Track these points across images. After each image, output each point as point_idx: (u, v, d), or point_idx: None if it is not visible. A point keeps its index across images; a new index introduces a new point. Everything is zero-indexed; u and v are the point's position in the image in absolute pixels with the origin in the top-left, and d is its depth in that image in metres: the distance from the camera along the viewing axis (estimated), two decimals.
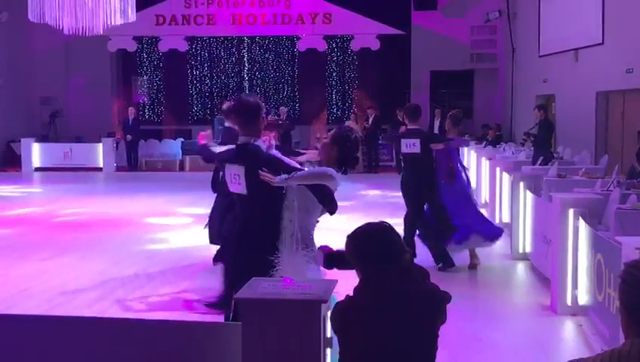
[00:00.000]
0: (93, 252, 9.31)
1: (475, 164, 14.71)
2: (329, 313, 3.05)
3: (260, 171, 4.25)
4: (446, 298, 2.87)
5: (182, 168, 20.76)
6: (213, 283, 6.68)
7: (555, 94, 17.65)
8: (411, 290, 2.83)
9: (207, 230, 7.44)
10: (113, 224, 11.48)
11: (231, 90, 24.55)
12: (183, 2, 22.89)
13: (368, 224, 2.99)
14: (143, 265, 8.49)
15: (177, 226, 11.14)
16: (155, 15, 22.80)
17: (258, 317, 3.12)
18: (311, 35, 22.88)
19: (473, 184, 11.72)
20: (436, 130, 18.26)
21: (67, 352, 3.41)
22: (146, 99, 25.19)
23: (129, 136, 20.69)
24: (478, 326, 6.16)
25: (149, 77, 25.17)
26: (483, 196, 13.02)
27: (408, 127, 8.33)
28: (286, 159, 4.46)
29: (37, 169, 20.78)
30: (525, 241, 8.57)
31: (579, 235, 6.25)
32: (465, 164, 15.74)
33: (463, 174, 8.53)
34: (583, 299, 6.22)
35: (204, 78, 25.06)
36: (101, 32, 13.01)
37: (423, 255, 7.95)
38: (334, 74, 24.73)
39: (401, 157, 8.82)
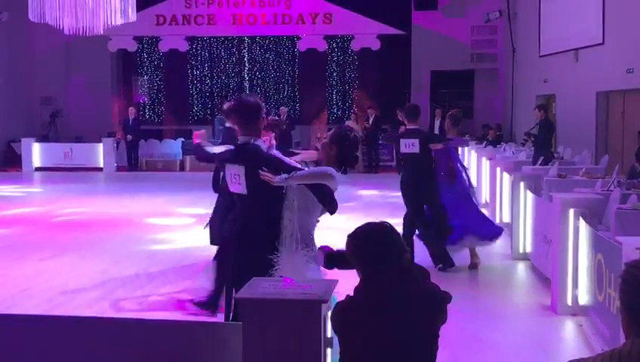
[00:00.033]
0: (94, 252, 9.31)
1: (476, 164, 14.71)
2: (329, 313, 3.05)
3: (260, 171, 4.26)
4: (446, 298, 2.87)
5: (182, 168, 20.76)
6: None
7: (555, 94, 17.64)
8: (412, 290, 2.83)
9: (207, 230, 7.43)
10: (113, 224, 11.48)
11: (231, 90, 24.55)
12: (183, 2, 22.89)
13: (369, 224, 2.98)
14: (143, 265, 8.49)
15: (178, 226, 11.14)
16: (155, 15, 22.80)
17: (258, 317, 3.12)
18: (311, 35, 22.88)
19: (474, 184, 11.69)
20: (436, 130, 18.25)
21: (67, 352, 3.41)
22: (146, 99, 25.19)
23: (129, 136, 20.69)
24: (478, 326, 6.16)
25: (150, 77, 25.18)
26: (483, 196, 13.02)
27: (407, 127, 8.33)
28: (286, 159, 4.47)
29: (37, 169, 20.79)
30: (526, 241, 8.57)
31: (579, 235, 6.25)
32: (465, 164, 15.75)
33: (464, 174, 8.52)
34: (584, 299, 6.22)
35: (205, 78, 25.07)
36: (101, 32, 13.01)
37: (422, 255, 7.94)
38: (335, 74, 24.73)
39: (401, 157, 8.82)
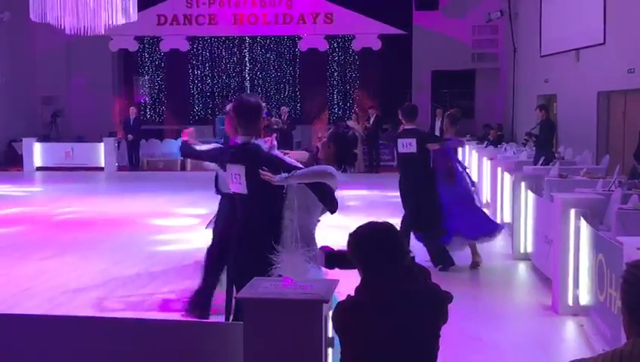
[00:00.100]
0: (95, 251, 9.32)
1: (477, 164, 14.71)
2: (330, 313, 3.05)
3: (260, 170, 4.26)
4: (447, 298, 2.87)
5: (183, 168, 20.77)
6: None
7: (556, 94, 17.64)
8: (413, 290, 2.82)
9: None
10: (114, 224, 11.48)
11: (232, 90, 24.56)
12: (184, 2, 22.89)
13: (370, 223, 2.98)
14: (144, 264, 8.49)
15: (179, 226, 11.14)
16: (156, 15, 22.81)
17: (260, 316, 3.12)
18: (312, 34, 22.88)
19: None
20: (437, 130, 18.25)
21: (68, 352, 3.41)
22: (147, 99, 25.21)
23: (130, 136, 20.69)
24: (479, 326, 6.16)
25: (151, 77, 25.19)
26: (484, 196, 13.01)
27: (405, 126, 8.31)
28: (287, 158, 4.47)
29: (38, 168, 20.79)
30: (526, 241, 8.57)
31: (580, 235, 6.25)
32: (465, 163, 15.73)
33: (464, 173, 8.52)
34: (585, 299, 6.22)
35: (206, 77, 25.07)
36: (102, 32, 13.00)
37: (421, 255, 7.94)
38: (336, 74, 24.74)
39: (398, 157, 8.82)
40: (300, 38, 23.31)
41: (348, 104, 24.77)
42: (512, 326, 6.36)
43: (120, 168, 20.86)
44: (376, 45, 22.37)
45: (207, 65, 24.98)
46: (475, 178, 10.25)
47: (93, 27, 12.61)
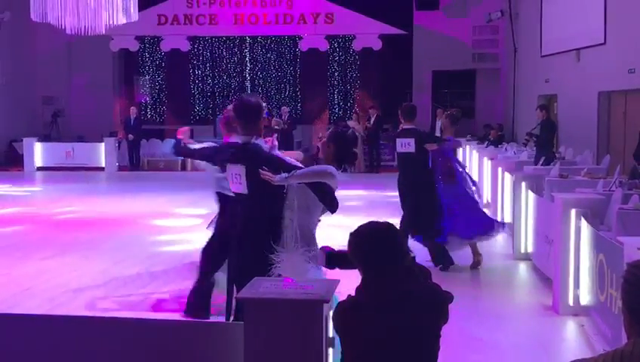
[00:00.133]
0: (95, 251, 9.32)
1: (477, 164, 14.70)
2: (331, 313, 3.05)
3: (260, 170, 4.26)
4: (448, 298, 2.86)
5: (184, 168, 20.77)
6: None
7: (557, 94, 17.63)
8: (413, 290, 2.82)
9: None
10: (115, 223, 11.49)
11: (233, 90, 24.56)
12: (185, 2, 22.89)
13: (371, 223, 2.97)
14: (145, 264, 8.49)
15: (179, 226, 11.14)
16: (157, 15, 22.81)
17: (260, 316, 3.12)
18: (313, 34, 22.88)
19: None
20: (437, 130, 18.24)
21: (68, 352, 3.41)
22: (148, 99, 25.20)
23: (131, 136, 20.69)
24: (479, 326, 6.16)
25: (151, 76, 25.19)
26: (485, 196, 13.00)
27: (403, 126, 8.32)
28: (287, 158, 4.47)
29: (39, 168, 20.80)
30: (527, 241, 8.57)
31: (581, 235, 6.25)
32: (466, 163, 15.70)
33: (463, 173, 8.53)
34: (585, 299, 6.22)
35: (206, 77, 25.07)
36: (103, 32, 13.01)
37: (421, 255, 7.93)
38: (336, 74, 24.73)
39: (397, 157, 8.82)
40: (300, 38, 23.31)
41: (348, 104, 24.77)
42: (513, 326, 6.35)
43: (120, 168, 20.86)
44: (377, 45, 22.37)
45: (207, 65, 24.98)
46: (475, 178, 10.25)
47: (93, 27, 12.61)
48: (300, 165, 4.45)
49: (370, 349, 2.77)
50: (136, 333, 3.44)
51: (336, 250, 3.46)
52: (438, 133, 14.86)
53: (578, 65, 15.95)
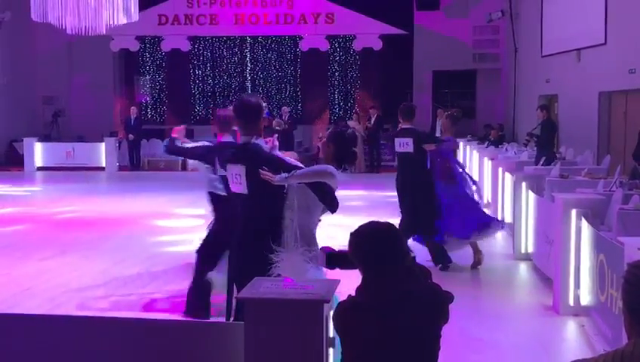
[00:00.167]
0: (96, 251, 9.32)
1: (478, 165, 14.70)
2: (331, 313, 3.04)
3: (260, 170, 4.26)
4: (448, 298, 2.86)
5: (184, 168, 20.76)
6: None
7: (557, 94, 17.63)
8: (414, 290, 2.82)
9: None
10: (115, 223, 11.49)
11: (233, 90, 24.56)
12: (185, 2, 22.89)
13: (372, 222, 2.97)
14: (145, 264, 8.49)
15: (180, 226, 11.14)
16: (157, 15, 22.81)
17: (260, 316, 3.12)
18: (313, 34, 22.88)
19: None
20: (438, 131, 18.24)
21: (68, 352, 3.41)
22: (148, 99, 25.20)
23: (131, 136, 20.69)
24: (479, 326, 6.15)
25: (152, 76, 25.19)
26: (485, 196, 13.00)
27: (402, 126, 8.34)
28: (287, 158, 4.47)
29: (39, 168, 20.80)
30: (528, 241, 8.56)
31: (581, 236, 6.25)
32: (467, 164, 15.69)
33: (463, 173, 8.53)
34: (586, 299, 6.21)
35: (207, 77, 25.07)
36: (104, 32, 13.00)
37: (421, 255, 7.93)
38: (337, 74, 24.72)
39: (396, 157, 8.83)
40: (301, 38, 23.31)
41: (349, 104, 24.77)
42: (513, 327, 6.35)
43: (121, 168, 20.86)
44: (377, 45, 22.37)
45: (208, 65, 24.98)
46: (475, 178, 10.24)
47: (94, 27, 12.61)
48: (301, 165, 4.44)
49: (370, 349, 2.77)
50: (136, 333, 3.44)
51: (336, 250, 3.46)
52: (438, 134, 14.89)
53: (579, 65, 15.94)
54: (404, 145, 8.15)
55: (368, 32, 22.38)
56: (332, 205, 4.37)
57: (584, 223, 6.21)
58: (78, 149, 21.15)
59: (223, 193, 5.93)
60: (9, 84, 21.55)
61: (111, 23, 12.68)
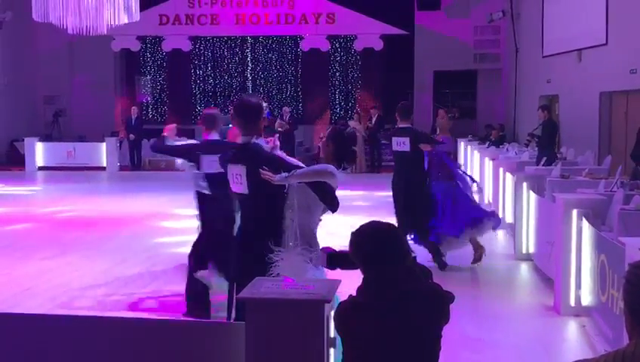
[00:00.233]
0: (96, 251, 9.32)
1: (479, 165, 14.69)
2: (332, 313, 3.04)
3: (260, 170, 4.26)
4: (449, 298, 2.86)
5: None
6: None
7: (558, 94, 17.62)
8: (414, 290, 2.82)
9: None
10: (116, 223, 11.49)
11: (234, 90, 24.56)
12: (186, 2, 22.90)
13: (372, 222, 2.97)
14: (146, 264, 8.50)
15: (180, 226, 11.12)
16: (158, 15, 22.82)
17: (261, 317, 3.12)
18: (314, 34, 22.88)
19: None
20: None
21: (69, 351, 3.41)
22: (149, 99, 25.21)
23: (132, 136, 20.69)
24: (480, 326, 6.15)
25: (153, 76, 25.19)
26: (486, 197, 13.01)
27: (399, 125, 8.36)
28: (288, 158, 4.47)
29: (40, 168, 20.81)
30: (528, 242, 8.56)
31: (582, 236, 6.24)
32: (468, 163, 15.69)
33: (460, 172, 8.53)
34: (587, 299, 6.21)
35: (208, 77, 25.08)
36: (105, 32, 13.01)
37: (422, 256, 7.93)
38: (337, 74, 24.72)
39: (393, 155, 8.83)
40: (301, 38, 23.31)
41: (350, 104, 24.77)
42: (514, 327, 6.35)
43: (122, 168, 20.86)
44: (378, 45, 22.37)
45: (209, 65, 24.99)
46: (476, 178, 10.26)
47: (95, 27, 12.61)
48: (301, 164, 4.45)
49: (371, 349, 2.77)
50: (137, 333, 3.44)
51: (337, 250, 3.46)
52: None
53: (580, 65, 15.94)
54: (401, 144, 8.17)
55: (369, 32, 22.38)
56: (332, 204, 4.37)
57: (585, 223, 6.20)
58: (79, 149, 21.15)
59: (208, 192, 5.96)
60: (10, 84, 21.56)
61: (112, 22, 12.68)
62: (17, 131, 21.77)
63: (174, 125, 6.25)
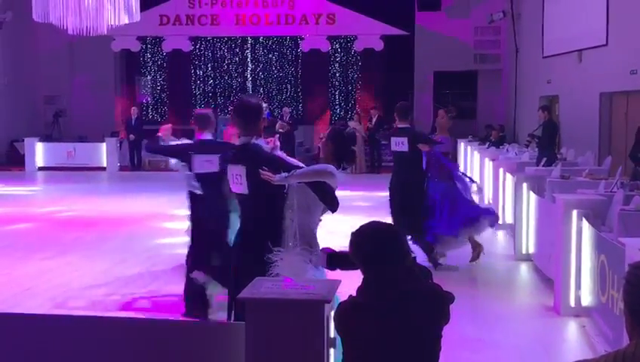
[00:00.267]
0: (96, 251, 9.32)
1: (479, 165, 14.69)
2: (332, 313, 3.04)
3: (260, 170, 4.26)
4: (449, 298, 2.86)
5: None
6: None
7: (558, 95, 17.62)
8: (414, 290, 2.82)
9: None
10: (116, 223, 11.49)
11: (234, 91, 24.57)
12: (187, 2, 22.91)
13: (372, 223, 2.97)
14: (146, 264, 8.50)
15: (181, 226, 11.10)
16: (159, 15, 22.83)
17: (261, 317, 3.12)
18: (314, 35, 22.88)
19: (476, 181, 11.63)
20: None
21: (69, 351, 3.41)
22: (149, 99, 25.21)
23: (132, 136, 20.69)
24: (480, 326, 6.15)
25: (153, 77, 25.20)
26: (486, 197, 13.01)
27: (398, 125, 8.36)
28: (288, 158, 4.47)
29: (40, 168, 20.81)
30: (528, 242, 8.56)
31: (582, 236, 6.24)
32: (467, 164, 15.68)
33: (459, 173, 8.53)
34: (587, 300, 6.21)
35: (208, 78, 25.08)
36: (105, 32, 13.01)
37: (422, 256, 7.93)
38: (337, 74, 24.73)
39: (392, 155, 8.85)
40: (302, 39, 23.31)
41: (350, 104, 24.77)
42: (514, 327, 6.35)
43: (122, 168, 20.86)
44: (379, 46, 22.37)
45: (209, 65, 24.99)
46: (476, 179, 10.26)
47: (95, 27, 12.60)
48: (301, 164, 4.45)
49: (371, 349, 2.77)
50: (136, 333, 3.44)
51: (337, 250, 3.46)
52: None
53: (580, 66, 15.94)
54: (399, 144, 8.17)
55: (369, 33, 22.38)
56: (332, 204, 4.37)
57: (585, 224, 6.20)
58: (79, 149, 21.16)
59: (200, 191, 5.97)
60: (10, 84, 21.56)
61: (112, 23, 12.68)
62: (17, 131, 21.78)
63: (169, 125, 6.26)
